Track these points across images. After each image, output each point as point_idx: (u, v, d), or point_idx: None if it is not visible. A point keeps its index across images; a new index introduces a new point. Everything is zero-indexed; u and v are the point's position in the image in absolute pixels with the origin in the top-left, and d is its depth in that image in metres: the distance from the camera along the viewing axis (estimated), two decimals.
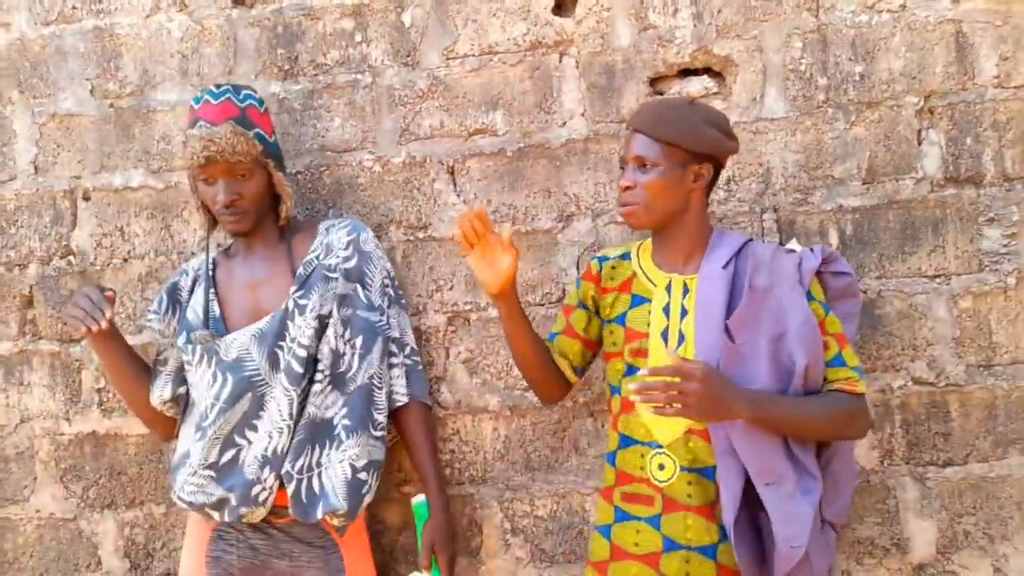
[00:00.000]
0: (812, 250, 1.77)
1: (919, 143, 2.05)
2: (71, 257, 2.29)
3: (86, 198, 2.30)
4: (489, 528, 2.14)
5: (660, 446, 1.69)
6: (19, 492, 2.30)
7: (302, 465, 1.84)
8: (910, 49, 2.05)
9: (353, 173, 2.22)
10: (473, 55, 2.18)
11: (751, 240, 1.79)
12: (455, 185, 2.18)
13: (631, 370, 1.75)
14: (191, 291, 2.04)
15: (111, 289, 1.92)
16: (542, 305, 2.14)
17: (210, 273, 2.01)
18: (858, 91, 2.06)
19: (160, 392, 1.99)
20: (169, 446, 2.23)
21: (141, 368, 2.02)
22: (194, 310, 1.98)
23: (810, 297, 1.70)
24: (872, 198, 2.05)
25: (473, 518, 2.15)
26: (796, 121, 2.07)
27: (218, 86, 1.92)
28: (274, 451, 1.84)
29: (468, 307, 2.16)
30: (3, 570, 2.30)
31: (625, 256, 1.86)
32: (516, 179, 2.16)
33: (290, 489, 1.83)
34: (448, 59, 2.19)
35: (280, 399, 1.86)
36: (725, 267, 1.72)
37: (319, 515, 1.83)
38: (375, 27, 2.21)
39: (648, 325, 1.75)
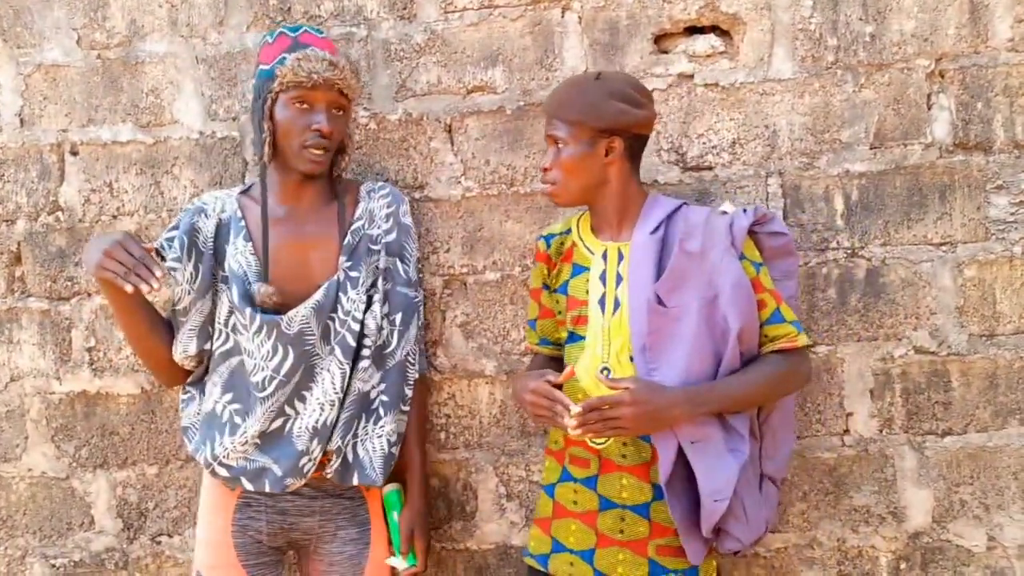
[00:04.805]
0: (745, 210, 1.78)
1: (929, 107, 1.99)
2: (59, 213, 2.24)
3: (74, 152, 2.24)
4: (484, 493, 2.13)
5: None
6: (11, 451, 2.28)
7: (348, 438, 1.85)
8: (922, 9, 1.98)
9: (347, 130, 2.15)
10: (472, 8, 2.11)
11: (684, 204, 1.81)
12: (453, 144, 2.13)
13: (573, 337, 1.81)
14: (214, 237, 1.89)
15: (142, 242, 1.72)
16: None
17: (242, 219, 1.90)
18: (868, 52, 2.00)
19: (184, 347, 1.88)
20: (162, 406, 2.21)
21: (155, 318, 1.89)
22: (239, 262, 1.85)
23: (742, 257, 1.73)
24: (879, 163, 2.00)
25: (468, 483, 2.14)
26: (804, 83, 2.02)
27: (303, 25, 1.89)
28: (323, 423, 1.82)
29: (465, 270, 2.12)
30: None
31: (567, 231, 1.90)
32: (515, 138, 2.10)
33: (336, 460, 1.84)
34: (446, 12, 2.12)
35: (334, 372, 1.83)
36: (654, 232, 1.76)
37: (355, 482, 1.86)
38: None
39: (587, 293, 1.79)
